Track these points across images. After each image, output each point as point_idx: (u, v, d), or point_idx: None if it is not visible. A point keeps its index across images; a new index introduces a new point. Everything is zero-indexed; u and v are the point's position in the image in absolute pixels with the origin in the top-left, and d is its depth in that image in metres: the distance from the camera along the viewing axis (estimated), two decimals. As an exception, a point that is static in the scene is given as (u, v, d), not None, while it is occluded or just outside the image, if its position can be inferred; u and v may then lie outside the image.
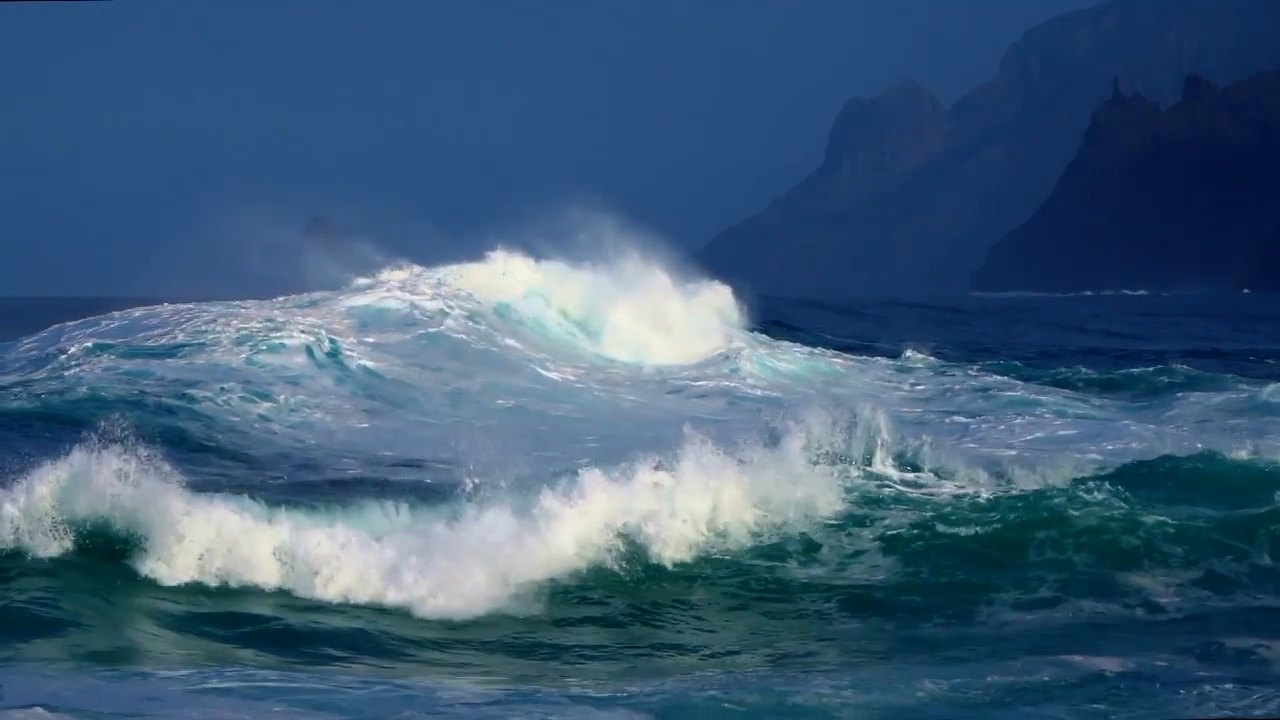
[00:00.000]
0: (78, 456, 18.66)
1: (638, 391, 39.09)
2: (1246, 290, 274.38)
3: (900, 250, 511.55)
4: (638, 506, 20.27)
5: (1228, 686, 14.54)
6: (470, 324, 42.89)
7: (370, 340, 39.55)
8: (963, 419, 33.79)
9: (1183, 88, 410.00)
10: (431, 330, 41.67)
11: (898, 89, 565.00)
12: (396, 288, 44.80)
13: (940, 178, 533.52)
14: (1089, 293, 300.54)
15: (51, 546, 18.43)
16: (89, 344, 37.33)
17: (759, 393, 38.74)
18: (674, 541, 20.14)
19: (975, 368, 44.10)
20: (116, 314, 40.77)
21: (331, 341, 38.06)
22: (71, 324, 40.19)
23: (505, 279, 46.71)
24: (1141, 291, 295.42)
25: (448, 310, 43.21)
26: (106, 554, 18.49)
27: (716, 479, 20.96)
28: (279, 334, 38.27)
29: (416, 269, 47.14)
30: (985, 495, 22.22)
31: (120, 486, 18.50)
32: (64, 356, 36.31)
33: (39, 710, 13.43)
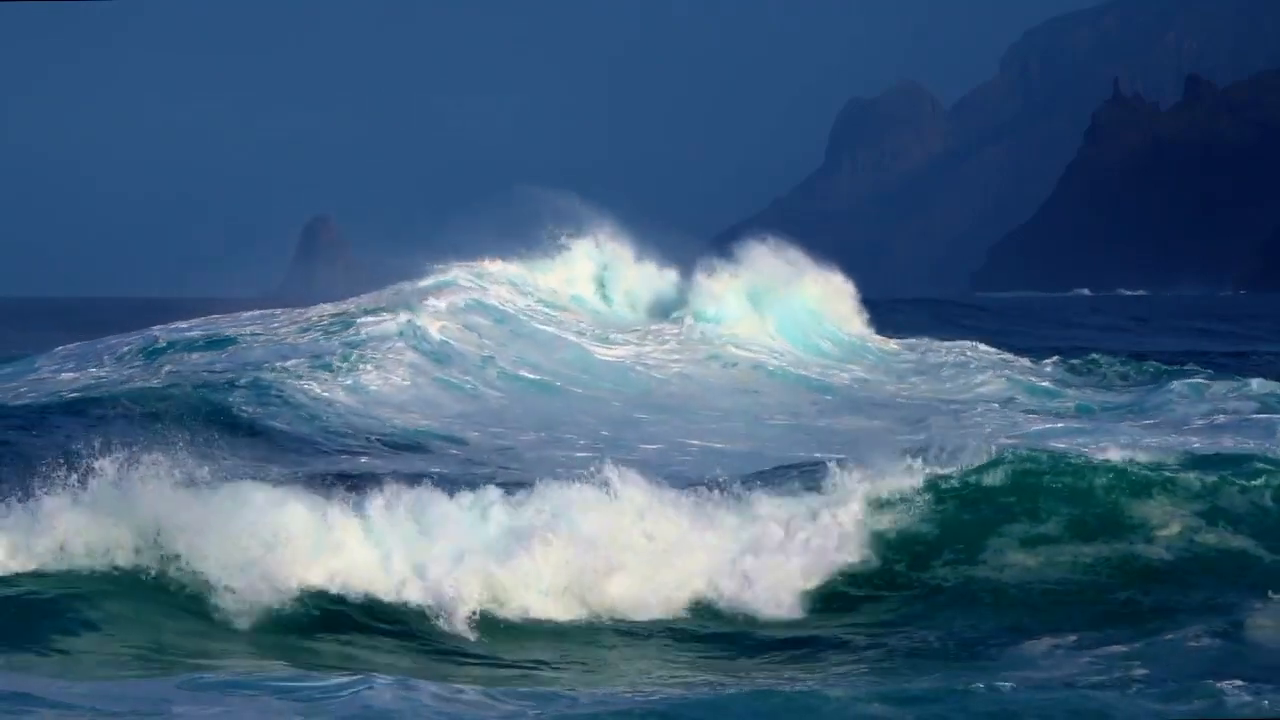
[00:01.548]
0: (116, 458, 18.60)
1: (684, 359, 39.45)
2: (1244, 291, 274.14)
3: (900, 250, 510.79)
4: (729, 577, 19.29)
5: (1238, 684, 14.60)
6: (538, 305, 42.71)
7: (438, 312, 39.36)
8: (979, 406, 34.32)
9: (1183, 88, 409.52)
10: (488, 303, 41.50)
11: (898, 89, 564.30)
12: (472, 276, 44.27)
13: (940, 178, 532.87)
14: (1088, 292, 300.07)
15: (93, 550, 18.34)
16: (162, 343, 37.61)
17: (789, 367, 39.97)
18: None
19: (991, 353, 44.44)
20: (158, 329, 40.72)
21: (410, 316, 38.18)
22: (123, 335, 39.95)
23: (585, 267, 45.81)
24: (1141, 291, 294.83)
25: (520, 295, 42.93)
26: (147, 556, 18.42)
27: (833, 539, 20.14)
28: (357, 315, 38.69)
29: (499, 262, 46.02)
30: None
31: (163, 487, 18.44)
32: (126, 349, 36.71)
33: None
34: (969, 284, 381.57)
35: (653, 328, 43.71)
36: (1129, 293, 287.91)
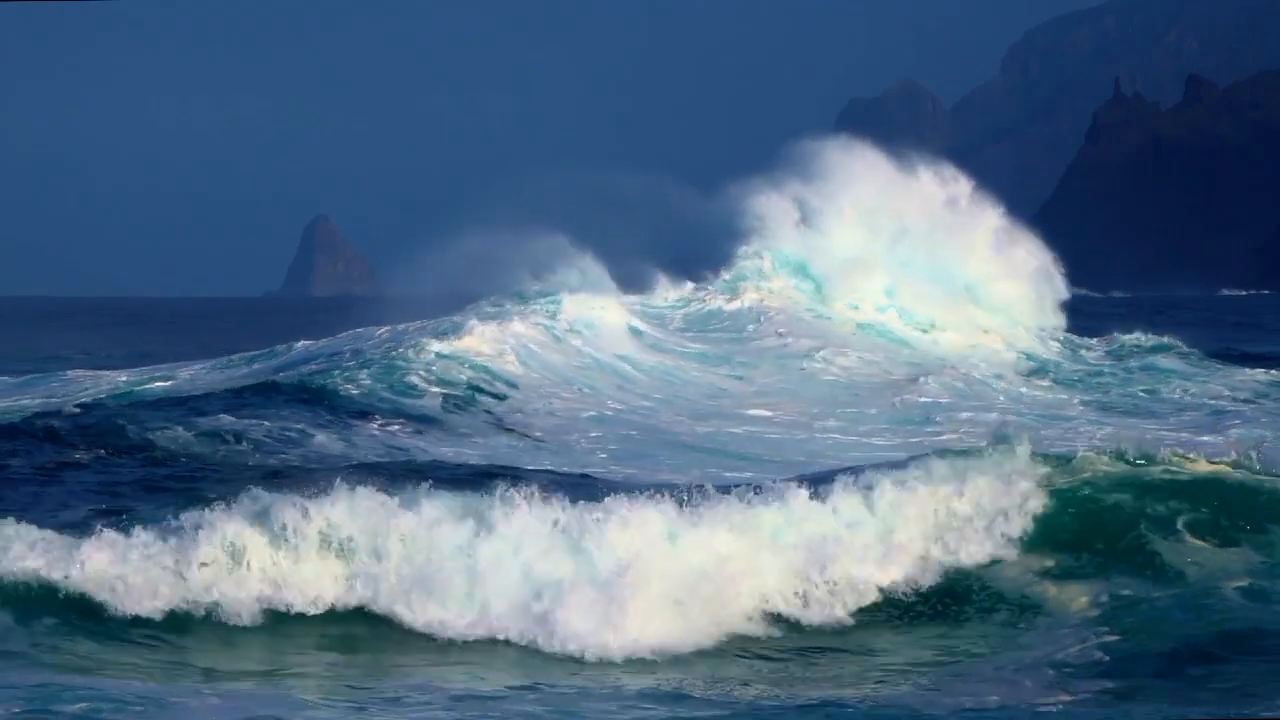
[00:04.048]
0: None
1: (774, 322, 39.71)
2: (1243, 291, 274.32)
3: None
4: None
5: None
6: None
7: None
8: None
9: (1183, 88, 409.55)
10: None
11: (898, 89, 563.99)
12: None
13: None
14: (1086, 291, 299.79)
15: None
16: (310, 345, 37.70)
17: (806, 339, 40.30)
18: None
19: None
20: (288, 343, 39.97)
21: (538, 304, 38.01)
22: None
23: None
24: (1141, 291, 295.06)
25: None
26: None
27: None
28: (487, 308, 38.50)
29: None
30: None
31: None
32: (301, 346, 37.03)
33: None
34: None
35: (742, 263, 42.44)
36: (1129, 293, 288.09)
